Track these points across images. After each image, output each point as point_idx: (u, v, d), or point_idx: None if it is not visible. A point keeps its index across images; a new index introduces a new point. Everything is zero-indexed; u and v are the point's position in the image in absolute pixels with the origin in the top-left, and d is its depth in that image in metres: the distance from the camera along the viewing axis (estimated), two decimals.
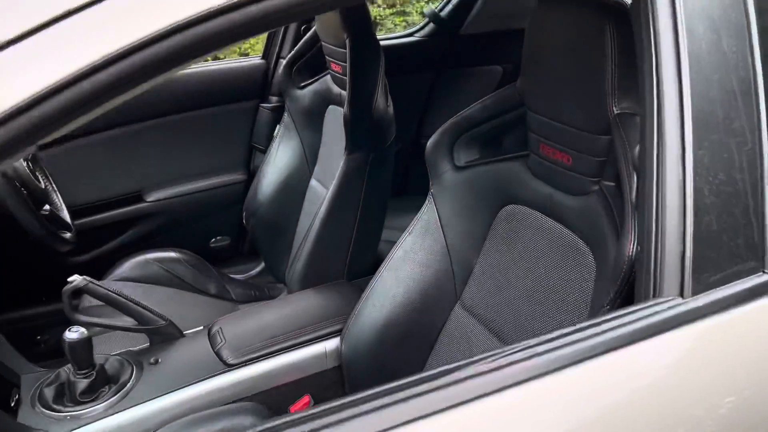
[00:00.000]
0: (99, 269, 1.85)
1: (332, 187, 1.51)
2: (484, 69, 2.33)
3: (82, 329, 1.19)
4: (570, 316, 0.98)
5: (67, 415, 1.18)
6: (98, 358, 1.30)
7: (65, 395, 1.22)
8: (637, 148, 0.76)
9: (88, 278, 1.29)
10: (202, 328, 1.44)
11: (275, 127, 2.02)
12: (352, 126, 1.46)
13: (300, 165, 1.89)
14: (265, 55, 2.06)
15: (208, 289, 1.89)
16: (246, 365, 1.27)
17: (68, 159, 1.86)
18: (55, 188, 1.66)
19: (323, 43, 1.68)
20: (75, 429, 1.16)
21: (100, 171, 1.92)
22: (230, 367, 1.27)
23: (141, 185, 2.00)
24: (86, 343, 1.20)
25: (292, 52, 1.85)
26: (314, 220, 1.54)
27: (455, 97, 2.33)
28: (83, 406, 1.20)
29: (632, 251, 0.78)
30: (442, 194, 1.22)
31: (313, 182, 1.86)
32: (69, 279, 1.27)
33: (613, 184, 0.94)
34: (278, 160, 1.90)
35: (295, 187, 1.90)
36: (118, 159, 1.93)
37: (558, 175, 1.01)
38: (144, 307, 1.34)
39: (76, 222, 1.90)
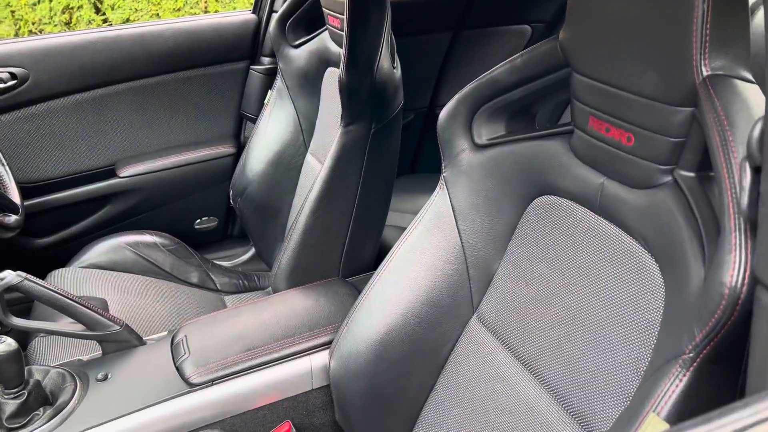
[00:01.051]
0: (65, 253, 1.63)
1: (325, 165, 1.26)
2: (510, 29, 2.02)
3: (10, 340, 0.96)
4: (625, 350, 0.73)
5: None
6: (36, 371, 1.08)
7: None
8: (757, 128, 0.49)
9: (23, 274, 1.06)
10: (166, 333, 1.20)
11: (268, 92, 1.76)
12: (349, 91, 1.20)
13: (294, 137, 1.64)
14: (256, 9, 1.79)
15: (188, 278, 1.66)
16: (213, 384, 1.04)
17: (26, 127, 1.62)
18: (3, 162, 1.42)
19: None
20: None
21: (65, 141, 1.68)
22: (194, 386, 1.04)
23: (113, 158, 1.75)
24: (15, 356, 0.96)
25: (286, 3, 1.58)
26: (304, 204, 1.29)
27: (476, 62, 2.05)
28: None
29: (737, 281, 0.53)
30: (458, 179, 0.97)
31: (309, 157, 1.61)
32: None
33: (693, 174, 0.68)
34: (269, 132, 1.65)
35: (288, 162, 1.65)
36: (87, 128, 1.69)
37: (613, 159, 0.75)
38: (94, 310, 1.11)
39: (38, 200, 1.69)
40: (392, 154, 1.33)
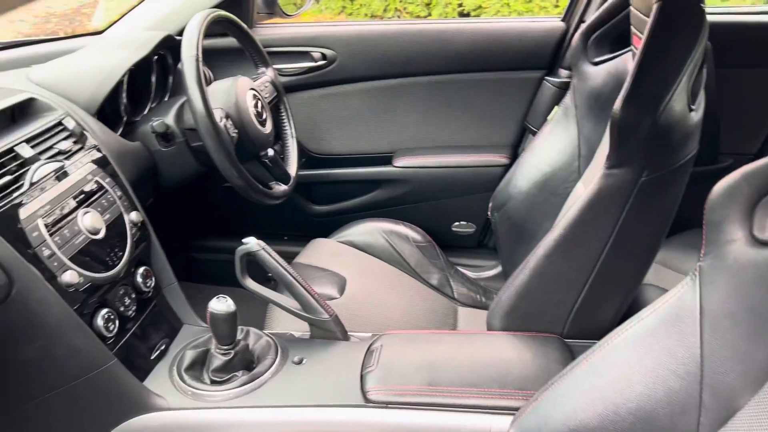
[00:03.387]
0: (331, 224, 1.75)
1: (575, 206, 1.09)
2: None
3: (230, 302, 1.05)
4: None
5: (189, 390, 1.06)
6: (252, 334, 1.17)
7: (204, 365, 1.12)
8: None
9: (262, 244, 1.14)
10: (370, 335, 1.20)
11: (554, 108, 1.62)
12: (620, 129, 1.00)
13: (568, 162, 1.47)
14: (566, 16, 1.64)
15: (428, 278, 1.65)
16: (387, 407, 1.00)
17: (325, 104, 1.76)
18: (293, 133, 1.56)
19: (632, 8, 1.21)
20: (189, 408, 1.04)
21: (354, 123, 1.78)
22: (368, 402, 1.01)
23: (393, 147, 1.81)
24: (230, 317, 1.05)
25: (593, 16, 1.41)
26: (542, 243, 1.14)
27: None
28: (210, 386, 1.07)
29: None
30: (718, 275, 0.73)
31: (579, 187, 1.43)
32: (243, 240, 1.14)
33: None
34: (544, 150, 1.51)
35: (555, 187, 1.49)
36: (376, 114, 1.77)
37: None
38: (310, 293, 1.15)
39: (322, 171, 1.83)
40: (665, 210, 1.09)
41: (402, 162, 1.80)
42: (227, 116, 1.30)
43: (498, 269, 1.75)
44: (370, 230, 1.68)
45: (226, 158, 1.23)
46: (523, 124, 1.76)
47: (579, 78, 1.46)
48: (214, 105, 1.29)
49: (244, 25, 1.44)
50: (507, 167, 1.76)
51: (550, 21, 1.66)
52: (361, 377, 1.05)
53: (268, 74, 1.54)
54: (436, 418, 0.99)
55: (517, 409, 0.95)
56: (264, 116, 1.40)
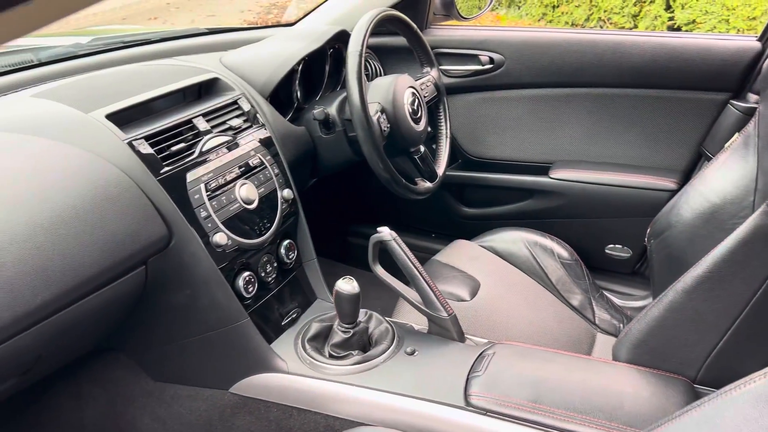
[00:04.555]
0: (475, 228, 1.76)
1: (724, 243, 0.99)
2: None
3: (354, 283, 1.11)
4: None
5: (308, 359, 1.14)
6: (373, 318, 1.22)
7: (326, 339, 1.19)
8: None
9: (394, 235, 1.19)
10: (486, 341, 1.19)
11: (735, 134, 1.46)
12: None
13: (741, 196, 1.33)
14: (764, 36, 1.47)
15: (569, 298, 1.59)
16: (485, 414, 0.99)
17: (487, 108, 1.76)
18: (447, 134, 1.59)
19: None
20: (305, 376, 1.12)
21: (515, 130, 1.76)
22: (468, 406, 1.01)
23: (552, 158, 1.76)
24: (354, 299, 1.11)
25: None
26: (684, 277, 1.05)
27: None
28: (328, 359, 1.14)
29: None
30: None
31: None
32: (378, 229, 1.20)
33: None
34: (716, 179, 1.38)
35: (723, 221, 1.35)
36: (538, 123, 1.73)
37: None
38: (432, 290, 1.17)
39: (476, 174, 1.84)
40: None
41: (559, 174, 1.74)
42: (382, 110, 1.37)
43: (649, 300, 1.63)
44: (514, 239, 1.66)
45: (374, 150, 1.29)
46: (699, 149, 1.61)
47: (766, 105, 1.31)
48: (371, 99, 1.36)
49: (414, 25, 1.49)
50: (673, 193, 1.63)
51: (744, 39, 1.50)
52: (467, 380, 1.05)
53: (431, 74, 1.59)
54: None
55: None
56: (419, 114, 1.44)
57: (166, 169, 1.07)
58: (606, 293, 1.64)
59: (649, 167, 1.67)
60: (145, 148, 1.06)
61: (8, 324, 0.80)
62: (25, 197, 0.87)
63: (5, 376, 0.91)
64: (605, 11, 6.04)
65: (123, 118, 1.08)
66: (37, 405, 1.31)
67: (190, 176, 1.09)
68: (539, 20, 6.65)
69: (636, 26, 5.67)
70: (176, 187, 1.06)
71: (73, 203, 0.90)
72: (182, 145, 1.12)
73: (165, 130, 1.12)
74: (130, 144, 1.04)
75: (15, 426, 1.31)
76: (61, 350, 1.04)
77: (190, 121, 1.17)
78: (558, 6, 6.44)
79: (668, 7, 5.45)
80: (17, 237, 0.82)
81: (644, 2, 5.73)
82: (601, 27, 5.95)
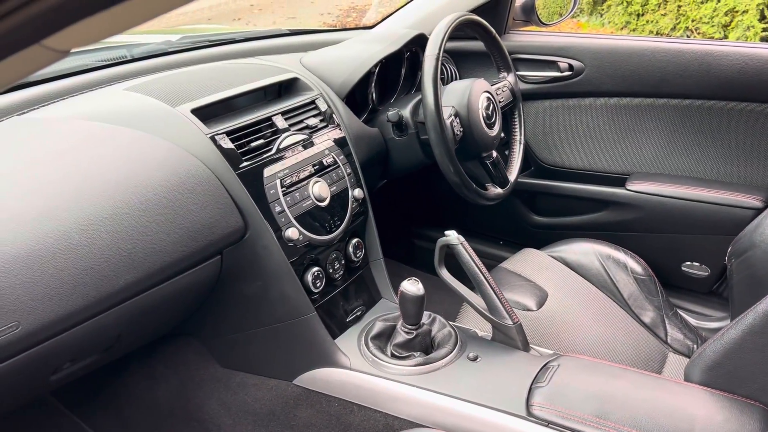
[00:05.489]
0: (548, 237, 1.73)
1: None
2: None
3: (419, 285, 1.12)
4: None
5: (371, 357, 1.16)
6: (437, 321, 1.22)
7: (389, 338, 1.21)
8: None
9: (462, 239, 1.19)
10: (552, 352, 1.17)
11: None
12: None
13: None
14: None
15: (640, 315, 1.54)
16: (547, 426, 0.98)
17: (565, 115, 1.73)
18: (521, 140, 1.57)
19: None
20: (367, 373, 1.13)
21: (592, 139, 1.72)
22: (530, 416, 0.99)
23: (630, 169, 1.71)
24: (418, 300, 1.12)
25: None
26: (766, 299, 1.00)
27: None
28: (390, 359, 1.15)
29: None
30: None
31: None
32: (446, 233, 1.20)
33: None
34: None
35: None
36: (617, 132, 1.68)
37: None
38: (498, 297, 1.16)
39: (549, 183, 1.81)
40: None
41: (636, 186, 1.69)
42: (456, 114, 1.37)
43: (726, 322, 1.56)
44: (585, 251, 1.62)
45: (445, 153, 1.29)
46: None
47: None
48: (445, 102, 1.36)
49: (492, 30, 1.49)
50: (758, 211, 1.55)
51: None
52: (530, 389, 1.04)
53: (508, 79, 1.57)
54: None
55: None
56: (493, 119, 1.43)
57: (245, 164, 1.11)
58: (680, 312, 1.58)
59: (732, 183, 1.60)
60: (227, 143, 1.10)
61: (93, 303, 0.85)
62: (114, 184, 0.92)
63: (89, 352, 0.97)
64: (693, 20, 5.80)
65: (207, 113, 1.13)
66: (114, 383, 1.38)
67: (267, 172, 1.13)
68: (622, 29, 6.45)
69: (726, 37, 5.41)
70: (253, 181, 1.10)
71: (158, 192, 0.95)
72: (261, 141, 1.16)
73: (245, 126, 1.16)
74: (212, 138, 1.09)
75: (94, 401, 1.38)
76: (139, 331, 1.09)
77: (269, 118, 1.21)
78: (643, 14, 6.22)
79: (763, 18, 5.17)
80: (105, 221, 0.87)
81: (736, 12, 5.47)
82: (688, 37, 5.71)
